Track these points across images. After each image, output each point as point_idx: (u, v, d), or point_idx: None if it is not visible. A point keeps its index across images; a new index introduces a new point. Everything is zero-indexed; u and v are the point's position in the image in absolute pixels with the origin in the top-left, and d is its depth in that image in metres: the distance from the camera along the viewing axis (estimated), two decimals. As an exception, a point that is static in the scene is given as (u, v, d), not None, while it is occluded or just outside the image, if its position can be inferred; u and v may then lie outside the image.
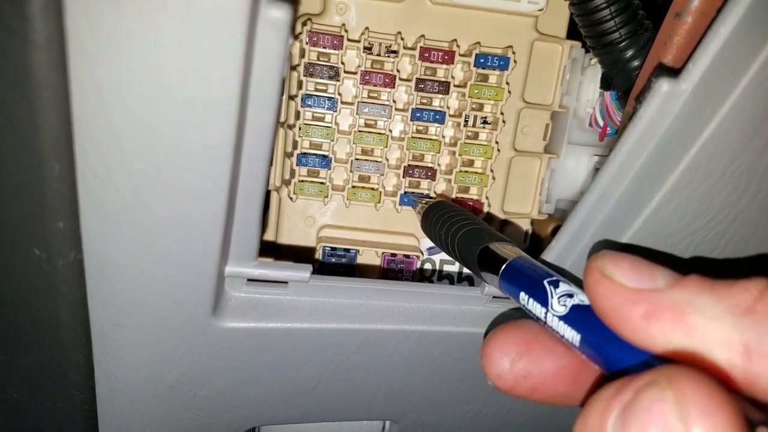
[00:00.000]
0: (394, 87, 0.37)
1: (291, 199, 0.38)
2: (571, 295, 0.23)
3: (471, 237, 0.31)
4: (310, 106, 0.37)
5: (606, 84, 0.36)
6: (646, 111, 0.26)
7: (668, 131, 0.26)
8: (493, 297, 0.34)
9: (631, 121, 0.26)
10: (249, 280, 0.31)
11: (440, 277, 0.42)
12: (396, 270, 0.41)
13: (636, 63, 0.33)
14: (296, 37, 0.36)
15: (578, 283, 0.24)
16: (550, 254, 0.33)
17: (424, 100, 0.38)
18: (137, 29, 0.21)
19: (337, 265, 0.40)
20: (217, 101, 0.23)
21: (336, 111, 0.37)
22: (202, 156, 0.24)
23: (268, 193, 0.39)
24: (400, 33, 0.36)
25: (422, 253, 0.41)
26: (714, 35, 0.25)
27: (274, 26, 0.22)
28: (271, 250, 0.40)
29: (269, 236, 0.40)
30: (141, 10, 0.21)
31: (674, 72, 0.27)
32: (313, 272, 0.32)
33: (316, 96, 0.36)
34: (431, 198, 0.39)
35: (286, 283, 0.32)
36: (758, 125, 0.25)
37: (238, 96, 0.23)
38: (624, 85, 0.34)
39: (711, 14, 0.27)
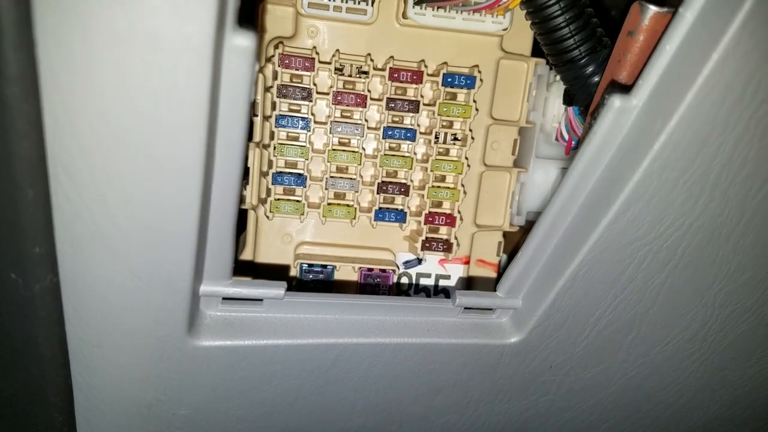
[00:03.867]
0: (365, 106, 0.38)
1: (268, 217, 0.39)
2: None
3: None
4: (284, 126, 0.38)
5: (568, 100, 0.37)
6: (600, 126, 0.27)
7: (622, 145, 0.27)
8: (465, 308, 0.35)
9: (587, 137, 0.28)
10: (224, 298, 0.32)
11: (417, 290, 0.43)
12: (373, 284, 0.41)
13: (596, 79, 0.35)
14: (268, 59, 0.36)
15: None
16: (521, 260, 0.34)
17: (396, 119, 0.39)
18: (107, 59, 0.22)
19: (315, 281, 0.41)
20: (186, 126, 0.24)
21: (310, 130, 0.38)
22: (173, 178, 0.25)
23: (244, 213, 0.40)
24: (369, 54, 0.37)
25: (398, 267, 0.42)
26: (661, 52, 0.26)
27: (240, 54, 0.23)
28: (249, 269, 0.40)
29: (247, 255, 0.41)
30: (110, 41, 0.21)
31: (626, 88, 0.28)
32: (292, 289, 0.32)
33: (290, 116, 0.37)
34: None
35: (261, 300, 0.32)
36: (706, 137, 0.27)
37: (205, 120, 0.24)
38: (585, 101, 0.36)
39: (660, 32, 0.29)
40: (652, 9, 0.29)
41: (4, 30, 0.20)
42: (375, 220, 0.40)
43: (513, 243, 0.47)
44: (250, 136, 0.36)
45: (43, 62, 0.21)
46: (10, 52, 0.20)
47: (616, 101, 0.27)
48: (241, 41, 0.23)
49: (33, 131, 0.22)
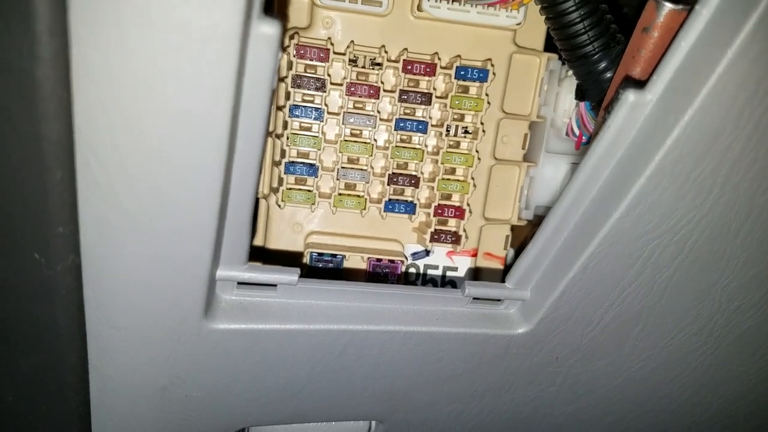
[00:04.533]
0: (378, 98, 0.38)
1: (279, 206, 0.40)
2: None
3: None
4: (297, 117, 0.38)
5: (580, 95, 0.38)
6: (614, 120, 0.28)
7: (635, 139, 0.28)
8: (474, 298, 0.36)
9: (601, 130, 0.28)
10: (239, 283, 0.33)
11: (424, 281, 0.44)
12: (381, 275, 0.42)
13: (609, 74, 0.35)
14: (284, 49, 0.37)
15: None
16: (531, 251, 0.34)
17: (408, 111, 0.39)
18: (138, 45, 0.22)
19: (324, 270, 0.41)
20: (211, 112, 0.24)
21: (323, 121, 0.38)
22: (196, 164, 0.25)
23: (256, 201, 0.41)
24: (383, 46, 0.38)
25: (407, 258, 0.43)
26: (676, 49, 0.26)
27: (265, 41, 0.23)
28: (260, 255, 0.41)
29: (258, 242, 0.41)
30: (142, 28, 0.22)
31: (640, 84, 0.28)
32: (301, 276, 0.33)
33: (304, 106, 0.38)
34: None
35: (275, 286, 0.33)
36: (718, 133, 0.27)
37: (230, 107, 0.24)
38: (597, 96, 0.36)
39: (675, 29, 0.29)
40: (668, 6, 0.29)
41: (40, 13, 0.20)
42: (385, 211, 0.40)
43: (521, 237, 0.47)
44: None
45: (75, 46, 0.22)
46: (44, 34, 0.21)
47: (630, 96, 0.27)
48: (267, 29, 0.23)
49: (63, 114, 0.23)
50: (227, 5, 0.22)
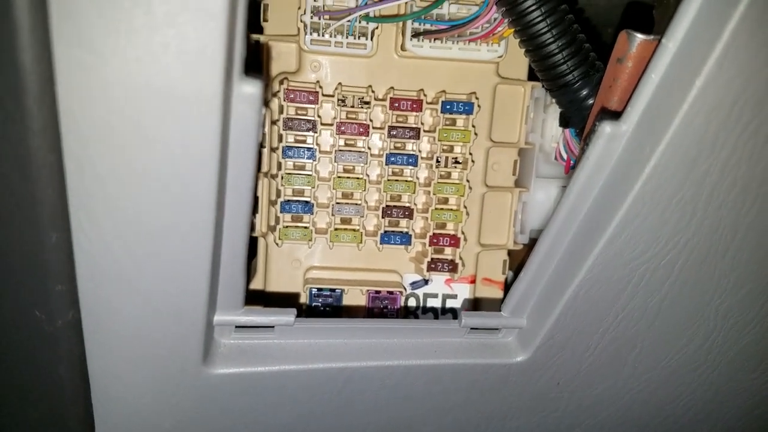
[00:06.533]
0: (368, 135, 0.39)
1: (277, 244, 0.40)
2: None
3: None
4: (290, 157, 0.39)
5: (564, 122, 0.39)
6: (592, 152, 0.28)
7: (614, 169, 0.28)
8: (471, 329, 0.36)
9: (580, 162, 0.29)
10: (237, 327, 0.33)
11: (424, 311, 0.44)
12: (381, 307, 0.42)
13: (590, 102, 0.36)
14: (274, 94, 0.38)
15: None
16: (524, 279, 0.35)
17: (398, 145, 0.40)
18: (124, 111, 0.23)
19: (324, 305, 0.42)
20: (198, 169, 0.25)
21: (315, 160, 0.39)
22: (188, 218, 0.26)
23: (255, 240, 0.41)
24: (371, 86, 0.39)
25: (405, 289, 0.43)
26: (647, 80, 0.27)
27: (247, 100, 0.24)
28: (260, 298, 0.42)
29: (258, 281, 0.42)
30: (127, 95, 0.23)
31: (616, 114, 0.29)
32: (301, 316, 0.34)
33: (296, 147, 0.39)
34: None
35: (273, 327, 0.34)
36: (694, 159, 0.28)
37: (216, 163, 0.25)
38: (581, 123, 0.37)
39: (648, 58, 0.30)
40: (639, 37, 0.30)
41: (28, 87, 0.22)
42: (381, 243, 0.41)
43: (518, 259, 0.48)
44: (258, 167, 0.37)
45: (64, 115, 0.23)
46: (33, 107, 0.22)
47: (606, 127, 0.28)
48: (248, 89, 0.24)
49: (56, 179, 0.24)
50: (208, 71, 0.23)
